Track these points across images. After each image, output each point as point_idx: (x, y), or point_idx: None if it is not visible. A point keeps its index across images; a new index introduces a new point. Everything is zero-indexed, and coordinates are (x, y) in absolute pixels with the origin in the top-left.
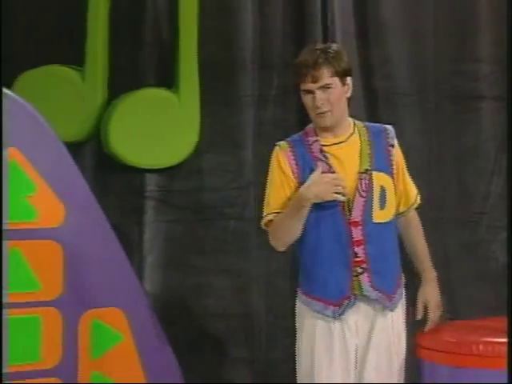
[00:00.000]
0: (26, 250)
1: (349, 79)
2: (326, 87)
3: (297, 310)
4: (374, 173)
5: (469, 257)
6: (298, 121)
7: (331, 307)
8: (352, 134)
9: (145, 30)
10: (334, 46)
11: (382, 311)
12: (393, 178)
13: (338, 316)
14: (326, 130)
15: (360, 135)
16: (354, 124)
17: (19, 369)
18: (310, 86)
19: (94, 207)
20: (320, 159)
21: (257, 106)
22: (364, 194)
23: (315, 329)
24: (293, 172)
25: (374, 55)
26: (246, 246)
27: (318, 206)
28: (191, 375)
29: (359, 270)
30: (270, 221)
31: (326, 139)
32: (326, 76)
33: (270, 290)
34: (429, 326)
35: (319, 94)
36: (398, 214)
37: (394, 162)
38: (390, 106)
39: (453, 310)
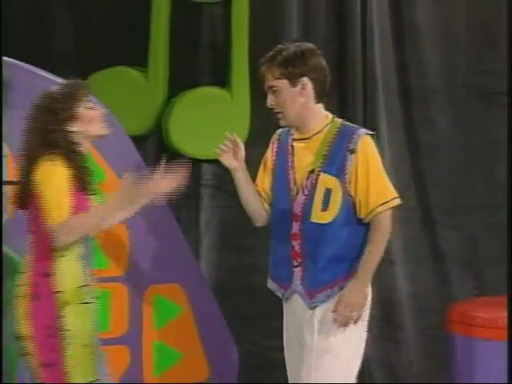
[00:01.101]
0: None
1: (304, 80)
2: (272, 89)
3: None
4: (322, 174)
5: (495, 238)
6: (338, 116)
7: (282, 290)
8: (317, 134)
9: (201, 34)
10: (292, 48)
11: (306, 306)
12: (343, 182)
13: (285, 299)
14: (293, 126)
15: (326, 135)
16: (331, 122)
17: None
18: (266, 87)
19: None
20: (288, 152)
21: None
22: (306, 192)
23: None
24: (271, 159)
25: (409, 55)
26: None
27: (279, 194)
28: (242, 344)
29: (295, 263)
30: None
31: (296, 134)
32: (271, 78)
33: None
34: (338, 320)
35: (269, 95)
36: (362, 219)
37: (347, 167)
38: (423, 102)
39: (480, 286)
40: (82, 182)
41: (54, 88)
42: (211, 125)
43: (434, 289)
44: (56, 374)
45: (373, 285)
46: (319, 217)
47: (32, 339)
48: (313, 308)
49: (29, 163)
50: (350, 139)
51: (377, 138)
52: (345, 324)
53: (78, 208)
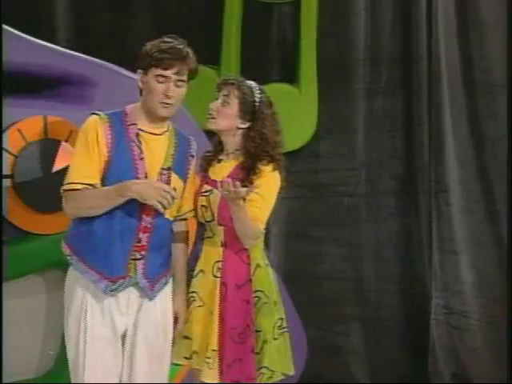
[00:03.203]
0: None
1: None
2: (182, 81)
3: (68, 279)
4: (173, 174)
5: None
6: (402, 110)
7: (106, 281)
8: (166, 132)
9: (271, 33)
10: (182, 43)
11: (146, 297)
12: (184, 185)
13: (109, 292)
14: (154, 118)
15: (170, 135)
16: (169, 124)
17: None
18: (171, 75)
19: None
20: (134, 142)
21: (368, 98)
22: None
23: (87, 299)
24: (107, 146)
25: (473, 50)
26: (357, 219)
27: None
28: (310, 328)
29: (138, 256)
30: (75, 189)
31: (145, 126)
32: (186, 72)
33: (378, 256)
34: (175, 335)
35: (172, 86)
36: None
37: (190, 172)
38: (487, 96)
39: None
40: (206, 164)
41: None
42: (281, 119)
43: (497, 278)
44: None
45: (438, 275)
46: (170, 213)
47: None
48: (151, 299)
49: None
50: (190, 145)
51: (441, 131)
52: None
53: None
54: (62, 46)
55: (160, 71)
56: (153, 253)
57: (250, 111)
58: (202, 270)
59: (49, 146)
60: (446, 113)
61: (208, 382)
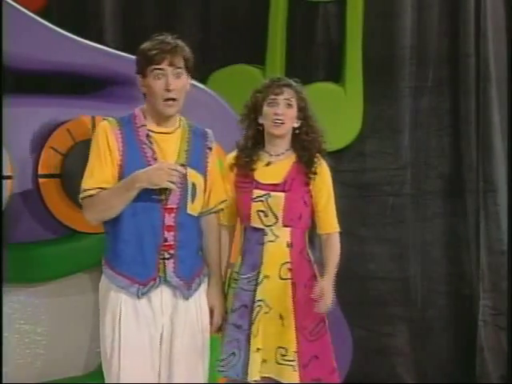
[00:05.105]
0: None
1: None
2: (179, 72)
3: (100, 286)
4: (188, 169)
5: None
6: (450, 109)
7: (136, 285)
8: (177, 129)
9: (316, 32)
10: (175, 38)
11: (182, 297)
12: (205, 178)
13: (141, 295)
14: (161, 118)
15: (183, 131)
16: (180, 119)
17: None
18: (165, 67)
19: None
20: (145, 143)
21: (414, 97)
22: (180, 186)
23: (120, 304)
24: (119, 150)
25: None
26: (403, 219)
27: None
28: (356, 328)
29: (166, 256)
30: (91, 195)
31: (154, 127)
32: (180, 63)
33: (425, 257)
34: (212, 329)
35: (171, 78)
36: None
37: (208, 164)
38: None
39: None
40: (246, 168)
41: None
42: (326, 119)
43: None
44: None
45: (486, 276)
46: (192, 208)
47: None
48: (189, 298)
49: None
50: (206, 138)
51: (489, 130)
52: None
53: (236, 197)
54: (109, 47)
55: (154, 67)
56: (182, 251)
57: (303, 109)
58: (266, 276)
59: None
60: (495, 111)
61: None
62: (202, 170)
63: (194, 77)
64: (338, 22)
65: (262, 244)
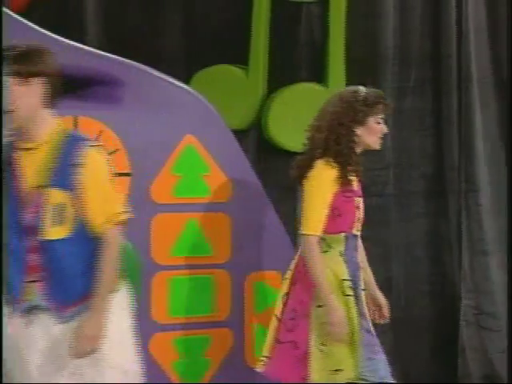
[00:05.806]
0: (201, 221)
1: (38, 80)
2: (18, 81)
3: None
4: (52, 189)
5: None
6: (432, 110)
7: (15, 305)
8: (43, 144)
9: (299, 33)
10: (27, 46)
11: (58, 320)
12: (74, 197)
13: (18, 315)
14: (19, 133)
15: (52, 147)
16: (57, 133)
17: (195, 320)
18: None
19: (256, 185)
20: (9, 161)
21: (397, 97)
22: (33, 208)
23: (7, 326)
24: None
25: (503, 49)
26: (386, 219)
27: (12, 205)
28: None
29: (32, 278)
30: None
31: (20, 142)
32: (20, 73)
33: (408, 257)
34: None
35: (8, 89)
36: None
37: (76, 182)
38: None
39: None
40: (347, 182)
41: (361, 89)
42: (308, 119)
43: None
44: (285, 350)
45: (468, 276)
46: (54, 233)
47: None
48: (65, 322)
49: (308, 159)
50: (76, 152)
51: (471, 130)
52: (79, 357)
53: (340, 208)
54: (92, 47)
55: None
56: (51, 274)
57: None
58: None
59: None
60: (476, 112)
61: None
62: (69, 187)
63: (177, 77)
64: (321, 23)
65: (356, 250)
